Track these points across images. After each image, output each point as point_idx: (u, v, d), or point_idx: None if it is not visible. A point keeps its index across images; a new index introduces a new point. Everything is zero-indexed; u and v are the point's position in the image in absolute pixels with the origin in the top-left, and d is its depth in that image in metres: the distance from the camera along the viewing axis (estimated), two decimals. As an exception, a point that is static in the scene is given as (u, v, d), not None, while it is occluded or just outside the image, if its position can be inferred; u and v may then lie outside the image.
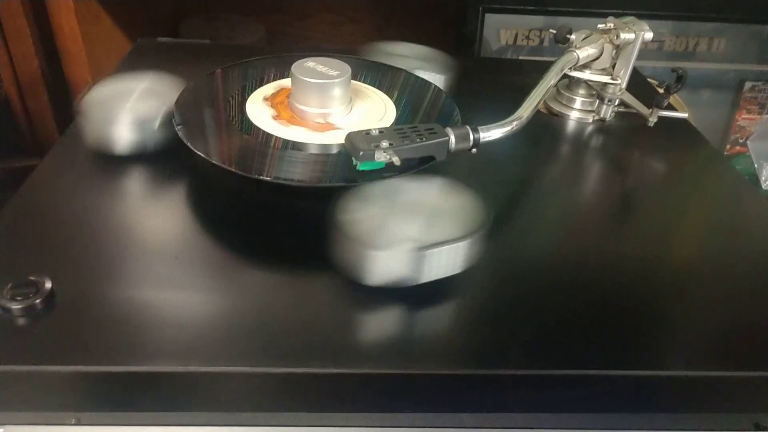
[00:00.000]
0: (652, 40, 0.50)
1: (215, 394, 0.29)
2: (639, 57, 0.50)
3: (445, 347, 0.31)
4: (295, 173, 0.37)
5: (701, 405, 0.32)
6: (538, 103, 0.44)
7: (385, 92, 0.47)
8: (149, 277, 0.33)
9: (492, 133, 0.39)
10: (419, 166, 0.37)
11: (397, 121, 0.44)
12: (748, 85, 0.98)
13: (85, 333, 0.29)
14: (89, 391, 0.29)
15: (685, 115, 0.53)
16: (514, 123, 0.40)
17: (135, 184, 0.41)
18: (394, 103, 0.46)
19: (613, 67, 0.52)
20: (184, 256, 0.35)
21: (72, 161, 0.42)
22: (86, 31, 0.75)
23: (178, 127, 0.39)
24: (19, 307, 0.29)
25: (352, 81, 0.45)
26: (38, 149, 0.78)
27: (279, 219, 0.38)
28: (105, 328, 0.29)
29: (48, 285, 0.30)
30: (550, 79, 0.46)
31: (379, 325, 0.32)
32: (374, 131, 0.37)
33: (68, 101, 0.79)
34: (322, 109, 0.42)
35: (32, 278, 0.31)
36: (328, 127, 0.42)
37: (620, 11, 0.53)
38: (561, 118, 0.54)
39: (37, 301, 0.30)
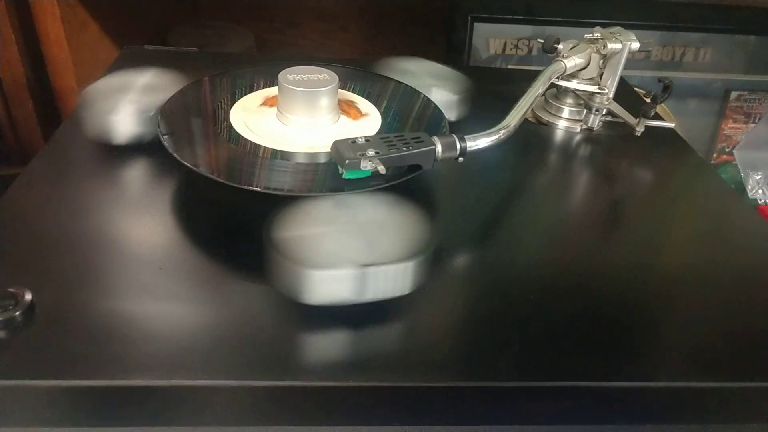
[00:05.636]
0: (639, 50, 0.50)
1: (200, 408, 0.29)
2: (626, 67, 0.51)
3: (434, 359, 0.30)
4: (281, 182, 0.37)
5: (693, 416, 0.32)
6: (526, 112, 0.44)
7: (373, 101, 0.47)
8: (132, 289, 0.32)
9: (479, 142, 0.39)
10: (406, 175, 0.37)
11: (384, 130, 0.44)
12: (734, 94, 0.99)
13: (66, 346, 0.29)
14: (70, 407, 0.28)
15: (672, 124, 0.54)
16: (502, 132, 0.40)
17: (119, 194, 0.40)
18: (382, 112, 0.46)
19: (601, 76, 0.52)
20: (168, 267, 0.34)
21: (56, 170, 0.41)
22: (72, 38, 0.74)
23: (164, 136, 0.39)
24: (-2, 319, 0.29)
25: (340, 90, 0.45)
26: (22, 157, 0.77)
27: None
28: (86, 341, 0.29)
29: (28, 297, 0.30)
30: (538, 88, 0.46)
31: (367, 336, 0.31)
32: (360, 140, 0.36)
33: (54, 109, 0.78)
34: (309, 117, 0.42)
35: (12, 290, 0.30)
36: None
37: (607, 21, 0.53)
38: (549, 127, 0.54)
39: (17, 313, 0.29)
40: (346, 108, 0.45)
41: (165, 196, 0.40)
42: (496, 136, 0.40)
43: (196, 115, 0.43)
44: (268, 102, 0.45)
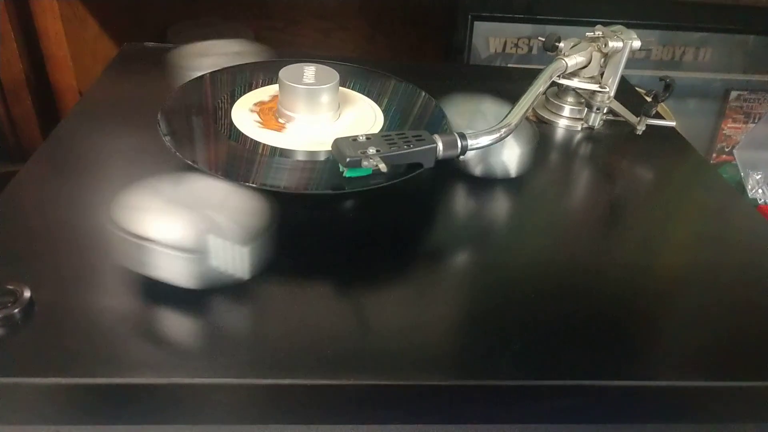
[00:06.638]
0: (640, 49, 0.50)
1: (199, 406, 0.29)
2: (626, 66, 0.51)
3: (434, 358, 0.30)
4: (282, 180, 0.37)
5: (693, 416, 0.32)
6: (527, 110, 0.44)
7: (374, 99, 0.47)
8: (132, 287, 0.32)
9: (480, 141, 0.39)
10: (408, 173, 0.37)
11: (385, 129, 0.43)
12: (733, 94, 0.99)
13: (65, 344, 0.28)
14: (69, 404, 0.28)
15: (672, 123, 0.54)
16: (503, 130, 0.40)
17: (118, 191, 0.40)
18: (383, 110, 0.46)
19: (602, 75, 0.52)
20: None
21: (55, 167, 0.41)
22: (72, 35, 0.74)
23: (165, 134, 0.39)
24: (-3, 317, 0.28)
25: (341, 88, 0.45)
26: (21, 155, 0.77)
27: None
28: (85, 339, 0.29)
29: (27, 294, 0.30)
30: (539, 87, 0.46)
31: (367, 335, 0.31)
32: (361, 138, 0.36)
33: (53, 106, 0.78)
34: (309, 115, 0.42)
35: (10, 287, 0.30)
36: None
37: (607, 20, 0.53)
38: (549, 125, 0.54)
39: (16, 310, 0.29)
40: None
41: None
42: (498, 135, 0.40)
43: (197, 112, 0.43)
44: (265, 111, 0.45)
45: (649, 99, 0.51)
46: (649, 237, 0.41)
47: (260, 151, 0.39)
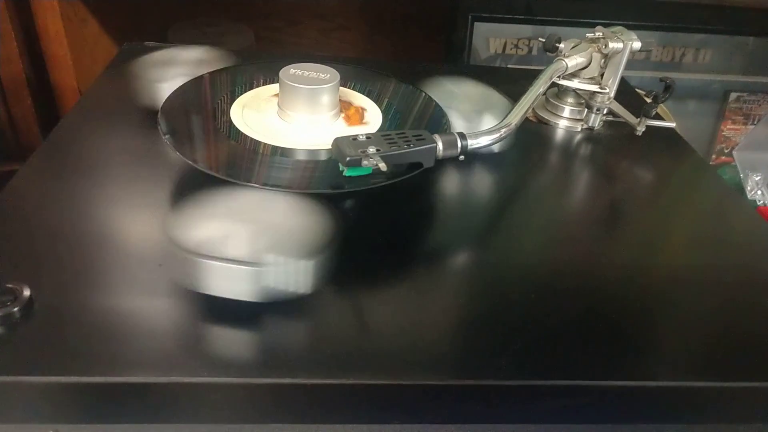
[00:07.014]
0: (640, 50, 0.50)
1: (199, 405, 0.29)
2: (626, 67, 0.51)
3: (434, 357, 0.30)
4: (282, 179, 0.37)
5: (692, 416, 0.32)
6: (527, 110, 0.44)
7: (374, 99, 0.47)
8: (131, 286, 0.32)
9: (480, 140, 0.39)
10: (408, 172, 0.37)
11: (385, 128, 0.43)
12: (733, 95, 0.99)
13: (65, 342, 0.28)
14: (69, 403, 0.28)
15: (672, 124, 0.54)
16: (503, 130, 0.40)
17: (118, 190, 0.40)
18: (383, 110, 0.46)
19: (602, 76, 0.52)
20: (168, 264, 0.34)
21: (54, 166, 0.41)
22: (72, 35, 0.74)
23: (165, 133, 0.39)
24: (-4, 315, 0.28)
25: (341, 88, 0.45)
26: (21, 154, 0.77)
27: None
28: (85, 337, 0.29)
29: (26, 293, 0.30)
30: (539, 87, 0.46)
31: (367, 335, 0.31)
32: (361, 137, 0.36)
33: (53, 106, 0.78)
34: (310, 114, 0.42)
35: (10, 286, 0.30)
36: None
37: (606, 21, 0.53)
38: (549, 126, 0.54)
39: (15, 309, 0.29)
40: (346, 110, 0.45)
41: (165, 193, 0.40)
42: (497, 135, 0.40)
43: (197, 112, 0.43)
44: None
45: (649, 100, 0.51)
46: (648, 238, 0.41)
47: (261, 150, 0.39)
